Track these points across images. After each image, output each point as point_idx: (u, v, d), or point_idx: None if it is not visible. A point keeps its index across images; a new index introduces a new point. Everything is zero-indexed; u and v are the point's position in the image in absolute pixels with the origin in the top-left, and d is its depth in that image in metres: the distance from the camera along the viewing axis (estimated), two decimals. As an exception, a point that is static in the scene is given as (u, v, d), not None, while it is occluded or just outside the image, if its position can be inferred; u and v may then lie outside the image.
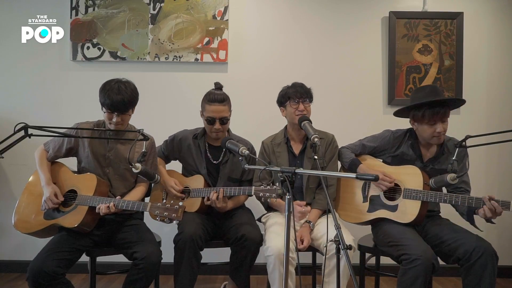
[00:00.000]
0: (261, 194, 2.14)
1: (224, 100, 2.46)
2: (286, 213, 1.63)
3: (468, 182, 2.34)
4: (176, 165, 2.75)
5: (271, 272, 2.15)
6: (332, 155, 2.52)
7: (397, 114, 2.41)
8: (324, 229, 2.10)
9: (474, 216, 2.18)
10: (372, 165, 2.46)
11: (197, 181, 2.54)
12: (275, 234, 2.23)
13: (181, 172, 2.70)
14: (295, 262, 2.20)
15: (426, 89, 2.32)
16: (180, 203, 2.06)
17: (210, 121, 2.46)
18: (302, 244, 2.26)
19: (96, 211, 2.16)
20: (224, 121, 2.46)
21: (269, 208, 2.58)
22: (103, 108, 2.25)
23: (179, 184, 2.55)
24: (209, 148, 2.59)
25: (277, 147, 2.54)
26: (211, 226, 2.49)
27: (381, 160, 2.51)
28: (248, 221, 2.42)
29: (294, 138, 2.55)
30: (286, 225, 1.63)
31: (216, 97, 2.45)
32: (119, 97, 2.18)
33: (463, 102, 2.33)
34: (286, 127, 2.59)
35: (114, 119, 2.24)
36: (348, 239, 2.17)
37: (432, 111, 2.19)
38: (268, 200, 2.20)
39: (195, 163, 2.58)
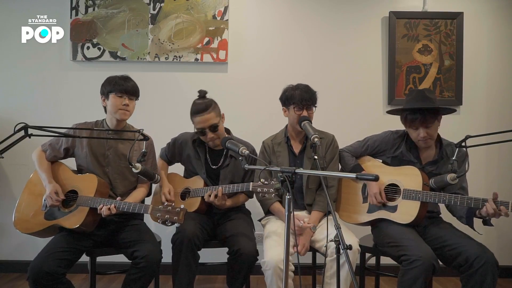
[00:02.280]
0: (259, 189, 2.12)
1: (207, 108, 2.40)
2: (286, 213, 1.63)
3: (467, 188, 2.32)
4: (177, 168, 2.75)
5: (269, 286, 2.14)
6: (333, 156, 2.51)
7: (390, 112, 2.44)
8: (325, 231, 2.09)
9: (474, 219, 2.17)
10: (373, 166, 2.46)
11: (197, 182, 2.54)
12: (272, 246, 2.21)
13: (183, 175, 2.70)
14: (293, 273, 2.19)
15: (414, 92, 2.33)
16: (182, 206, 2.06)
17: (201, 132, 2.44)
18: (301, 247, 2.26)
19: (98, 211, 2.16)
20: (215, 128, 2.42)
21: (269, 212, 2.55)
22: (112, 94, 2.30)
23: (173, 194, 2.53)
24: (209, 153, 2.58)
25: (278, 147, 2.53)
26: (210, 226, 2.49)
27: (381, 161, 2.51)
28: (244, 231, 2.37)
29: (294, 138, 2.54)
30: (286, 225, 1.63)
31: (198, 107, 2.41)
32: (131, 82, 2.35)
33: (452, 110, 2.30)
34: (286, 126, 2.59)
35: (125, 102, 2.31)
36: (353, 240, 2.17)
37: (412, 117, 2.21)
38: (266, 196, 2.17)
39: (194, 168, 2.58)
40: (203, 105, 2.41)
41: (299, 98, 2.39)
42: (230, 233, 2.37)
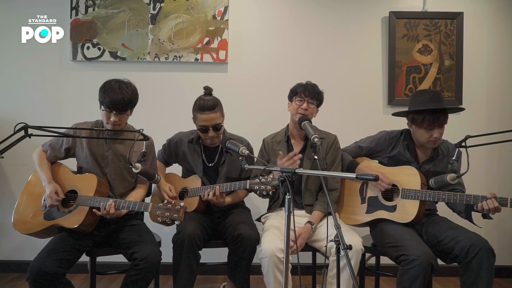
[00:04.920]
0: (256, 187, 2.12)
1: (214, 106, 2.37)
2: (286, 213, 1.63)
3: (462, 183, 2.35)
4: (175, 169, 2.75)
5: (266, 274, 2.14)
6: (335, 158, 2.49)
7: (395, 114, 2.42)
8: (326, 231, 2.09)
9: (472, 213, 2.19)
10: (369, 166, 2.46)
11: (194, 181, 2.54)
12: (270, 236, 2.22)
13: (181, 175, 2.70)
14: (291, 265, 2.18)
15: (428, 93, 2.30)
16: (182, 204, 2.06)
17: (203, 129, 2.42)
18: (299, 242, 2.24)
19: (105, 215, 2.15)
20: (218, 127, 2.41)
21: (270, 208, 2.57)
22: (102, 107, 2.24)
23: (174, 190, 2.51)
24: (204, 150, 2.58)
25: (277, 145, 2.53)
26: (210, 225, 2.49)
27: (377, 161, 2.51)
28: (245, 220, 2.41)
29: (294, 137, 2.54)
30: (286, 225, 1.63)
31: (206, 104, 2.36)
32: (120, 96, 2.18)
33: (462, 109, 2.41)
34: (288, 125, 2.58)
35: (112, 118, 2.22)
36: (357, 241, 2.17)
37: (433, 117, 2.19)
38: (264, 193, 2.14)
39: (191, 167, 2.58)
40: (210, 102, 2.37)
41: (302, 89, 2.42)
42: (230, 223, 2.39)
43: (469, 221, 2.22)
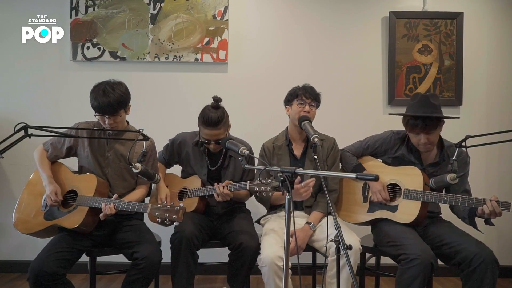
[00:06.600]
0: (256, 188, 2.11)
1: (219, 123, 2.32)
2: (286, 213, 1.63)
3: (470, 191, 2.31)
4: (174, 169, 2.75)
5: (267, 283, 2.14)
6: (335, 160, 2.49)
7: (392, 114, 2.42)
8: (325, 231, 2.09)
9: (476, 219, 2.17)
10: (374, 166, 2.46)
11: (194, 182, 2.54)
12: (269, 242, 2.21)
13: (180, 175, 2.70)
14: (290, 270, 2.18)
15: (417, 97, 2.26)
16: (181, 205, 2.06)
17: (205, 142, 2.42)
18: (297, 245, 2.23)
19: (101, 218, 2.16)
20: (220, 142, 2.37)
21: (271, 208, 2.56)
22: (94, 111, 2.27)
23: (170, 199, 2.47)
24: (208, 154, 2.57)
25: (279, 149, 2.52)
26: (209, 226, 2.48)
27: (381, 161, 2.50)
28: (246, 229, 2.38)
29: (295, 140, 2.53)
30: (286, 226, 1.63)
31: (211, 120, 2.31)
32: (105, 100, 2.20)
33: (455, 117, 2.33)
34: (287, 128, 2.58)
35: (107, 122, 2.25)
36: (354, 240, 2.16)
37: (414, 123, 2.18)
38: (264, 194, 2.13)
39: (193, 170, 2.58)
40: (215, 118, 2.32)
41: (302, 92, 2.42)
42: (231, 229, 2.38)
43: (472, 227, 2.20)
